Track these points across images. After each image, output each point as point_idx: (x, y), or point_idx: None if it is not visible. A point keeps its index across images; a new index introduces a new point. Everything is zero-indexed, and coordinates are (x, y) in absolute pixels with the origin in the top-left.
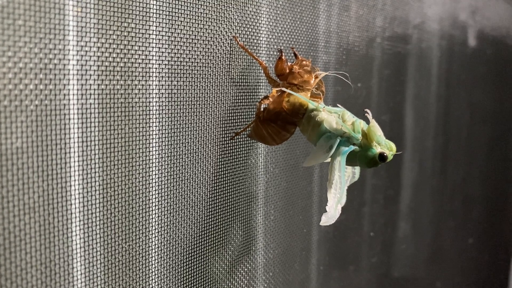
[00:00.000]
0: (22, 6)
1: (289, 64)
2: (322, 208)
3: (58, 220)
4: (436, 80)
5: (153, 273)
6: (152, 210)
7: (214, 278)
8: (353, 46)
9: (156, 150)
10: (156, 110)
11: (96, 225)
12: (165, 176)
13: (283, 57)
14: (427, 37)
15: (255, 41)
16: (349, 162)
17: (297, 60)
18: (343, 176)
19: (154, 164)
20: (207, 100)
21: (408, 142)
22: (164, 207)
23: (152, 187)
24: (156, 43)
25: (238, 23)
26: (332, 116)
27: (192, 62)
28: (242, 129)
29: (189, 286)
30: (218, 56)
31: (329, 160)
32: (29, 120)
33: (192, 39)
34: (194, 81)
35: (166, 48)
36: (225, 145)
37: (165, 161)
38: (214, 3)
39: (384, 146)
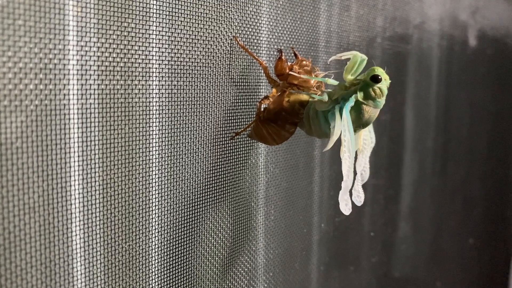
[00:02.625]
0: (22, 6)
1: (289, 64)
2: (322, 207)
3: (58, 220)
4: (436, 80)
5: (153, 273)
6: (152, 210)
7: (214, 278)
8: (354, 46)
9: (156, 150)
10: (156, 110)
11: (96, 225)
12: (165, 176)
13: (283, 57)
14: (427, 37)
15: (255, 41)
16: (360, 120)
17: (297, 60)
18: (351, 130)
19: (154, 164)
20: (207, 100)
21: (408, 142)
22: (164, 207)
23: (152, 187)
24: (156, 43)
25: (238, 23)
26: (317, 101)
27: (192, 62)
28: (242, 129)
29: (189, 286)
30: (218, 56)
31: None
32: (29, 120)
33: (192, 39)
34: (194, 81)
35: (166, 48)
36: (225, 145)
37: (165, 161)
38: (214, 3)
39: (368, 72)
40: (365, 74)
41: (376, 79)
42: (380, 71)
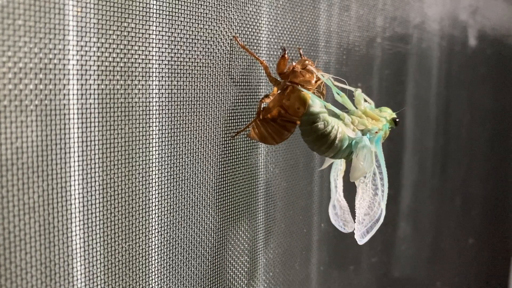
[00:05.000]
0: (22, 6)
1: (292, 64)
2: (322, 207)
3: (58, 220)
4: (436, 80)
5: (153, 273)
6: (152, 210)
7: (214, 278)
8: (354, 46)
9: (156, 150)
10: (156, 110)
11: (96, 225)
12: (165, 176)
13: (286, 55)
14: (427, 37)
15: (256, 41)
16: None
17: (300, 60)
18: (384, 166)
19: (154, 164)
20: (207, 100)
21: (408, 142)
22: (164, 207)
23: (152, 187)
24: (156, 43)
25: (238, 23)
26: (342, 125)
27: (192, 62)
28: (242, 129)
29: (189, 286)
30: (218, 56)
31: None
32: (29, 120)
33: (192, 39)
34: (194, 81)
35: (166, 48)
36: (225, 145)
37: (165, 161)
38: (214, 3)
39: (386, 113)
40: (388, 113)
41: (396, 122)
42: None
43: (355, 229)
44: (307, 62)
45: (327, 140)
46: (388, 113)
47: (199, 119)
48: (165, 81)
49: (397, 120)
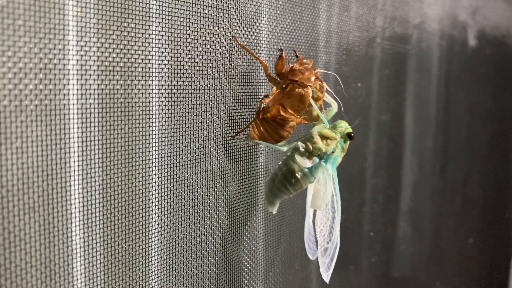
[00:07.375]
0: (22, 6)
1: (290, 65)
2: None
3: (58, 220)
4: (436, 80)
5: (153, 273)
6: (152, 210)
7: (214, 278)
8: (353, 46)
9: (156, 150)
10: (156, 110)
11: (96, 225)
12: (165, 176)
13: (283, 56)
14: (427, 37)
15: (255, 41)
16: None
17: (297, 59)
18: (337, 189)
19: (154, 164)
20: (207, 100)
21: (408, 142)
22: (164, 207)
23: (152, 187)
24: (156, 43)
25: (238, 23)
26: (296, 158)
27: (192, 62)
28: (242, 128)
29: (189, 286)
30: (218, 56)
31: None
32: (29, 120)
33: (192, 39)
34: (194, 81)
35: (166, 48)
36: (225, 145)
37: (165, 161)
38: (214, 3)
39: (340, 127)
40: (342, 128)
41: (351, 136)
42: (345, 124)
43: (319, 262)
44: (305, 61)
45: (291, 182)
46: (344, 128)
47: (199, 119)
48: (165, 81)
49: (352, 134)
